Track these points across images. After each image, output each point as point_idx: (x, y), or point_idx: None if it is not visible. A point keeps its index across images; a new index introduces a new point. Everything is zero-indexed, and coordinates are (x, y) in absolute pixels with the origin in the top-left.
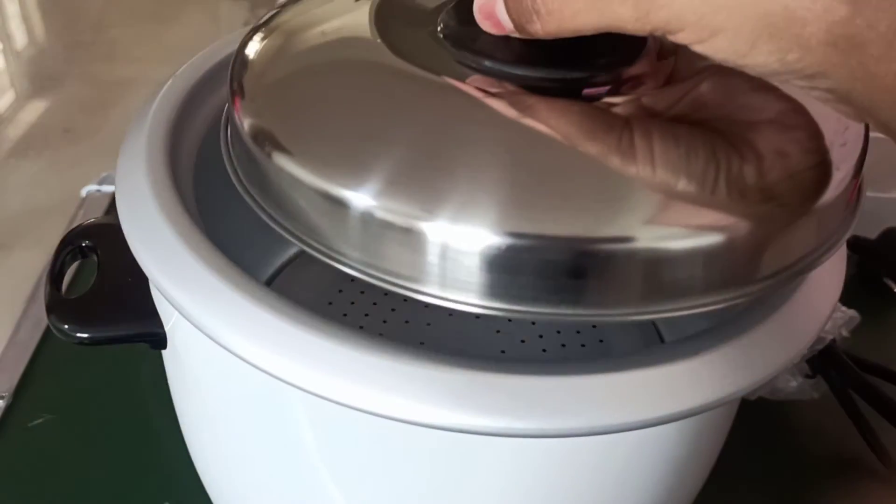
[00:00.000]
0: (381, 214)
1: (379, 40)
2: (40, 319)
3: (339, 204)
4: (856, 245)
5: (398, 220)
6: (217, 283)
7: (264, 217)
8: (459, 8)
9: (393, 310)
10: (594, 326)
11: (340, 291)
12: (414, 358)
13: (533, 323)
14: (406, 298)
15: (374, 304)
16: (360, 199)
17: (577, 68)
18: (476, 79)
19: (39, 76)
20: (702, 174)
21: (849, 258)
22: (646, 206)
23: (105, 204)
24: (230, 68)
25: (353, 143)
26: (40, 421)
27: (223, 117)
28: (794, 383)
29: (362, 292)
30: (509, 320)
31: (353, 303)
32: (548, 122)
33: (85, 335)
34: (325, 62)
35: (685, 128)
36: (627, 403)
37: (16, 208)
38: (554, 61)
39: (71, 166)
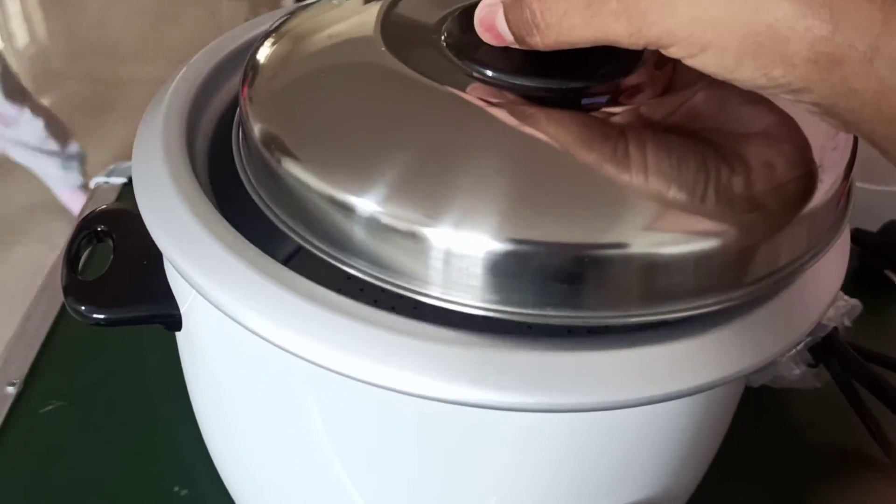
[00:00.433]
0: (385, 220)
1: (384, 48)
2: (50, 308)
3: (345, 208)
4: (857, 238)
5: (402, 225)
6: (235, 262)
7: (272, 218)
8: (462, 18)
9: (401, 297)
10: None
11: (349, 279)
12: (434, 335)
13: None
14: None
15: (383, 291)
16: (366, 204)
17: (576, 78)
18: (478, 88)
19: (41, 74)
20: (692, 183)
21: (851, 251)
22: (640, 213)
23: (113, 195)
24: (242, 73)
25: (359, 149)
26: (50, 408)
27: (235, 120)
28: (797, 371)
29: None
30: None
31: (361, 290)
32: (546, 131)
33: (101, 316)
34: (333, 69)
35: (678, 138)
36: (639, 379)
37: (19, 204)
38: (553, 72)
39: None
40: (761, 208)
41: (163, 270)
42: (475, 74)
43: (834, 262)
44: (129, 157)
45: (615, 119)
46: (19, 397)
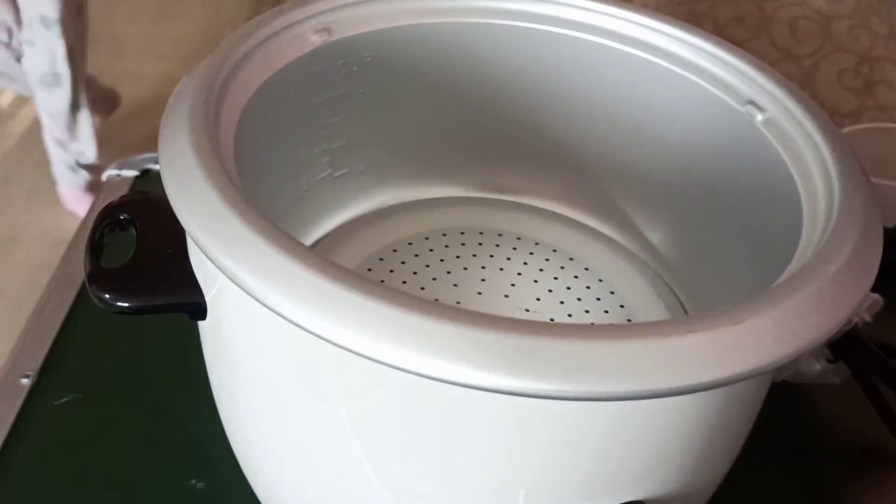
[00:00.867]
0: None
1: None
2: (64, 300)
3: None
4: None
5: None
6: (267, 247)
7: None
8: None
9: (422, 288)
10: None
11: (369, 270)
12: (471, 322)
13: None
14: (436, 277)
15: (404, 282)
16: None
17: None
18: None
19: None
20: None
21: None
22: None
23: (125, 188)
24: None
25: None
26: (66, 400)
27: None
28: (817, 367)
29: (391, 271)
30: (538, 299)
31: (382, 281)
32: None
33: (125, 304)
34: None
35: None
36: (673, 368)
37: (21, 203)
38: None
39: None
40: None
41: (187, 258)
42: None
43: (866, 256)
44: (135, 152)
45: None
46: (34, 389)
